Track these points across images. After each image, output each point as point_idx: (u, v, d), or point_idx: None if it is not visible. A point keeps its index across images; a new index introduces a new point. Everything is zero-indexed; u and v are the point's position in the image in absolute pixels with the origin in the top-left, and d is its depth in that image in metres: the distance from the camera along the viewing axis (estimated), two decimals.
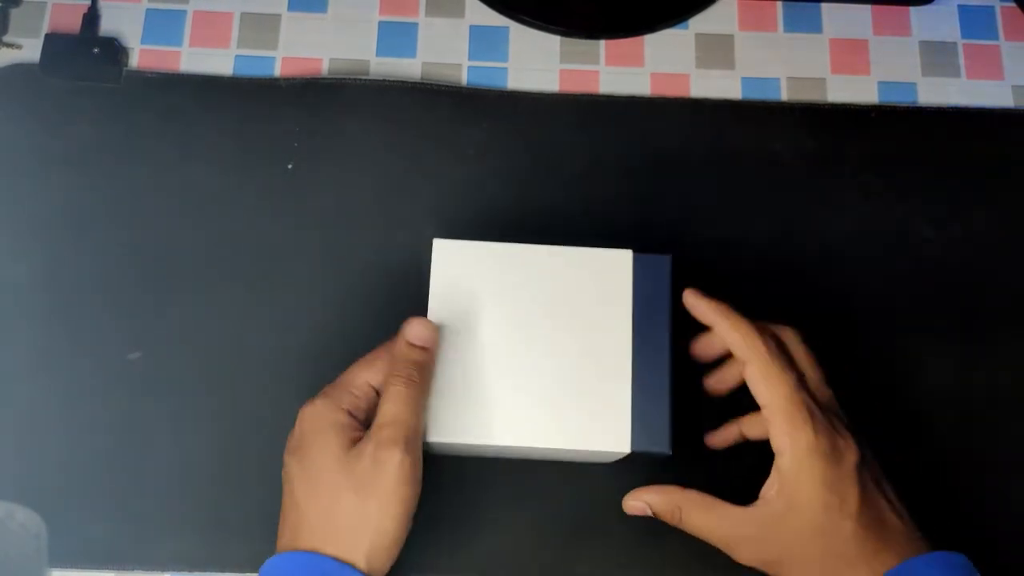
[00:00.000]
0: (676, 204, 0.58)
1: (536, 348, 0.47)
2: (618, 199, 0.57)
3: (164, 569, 0.51)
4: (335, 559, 0.42)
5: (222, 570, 0.51)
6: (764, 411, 0.45)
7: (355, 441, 0.45)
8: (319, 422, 0.45)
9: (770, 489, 0.45)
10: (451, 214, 0.57)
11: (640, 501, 0.47)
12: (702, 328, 0.49)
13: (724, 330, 0.47)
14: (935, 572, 0.43)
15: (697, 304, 0.48)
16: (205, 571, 0.51)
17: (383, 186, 0.57)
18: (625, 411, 0.46)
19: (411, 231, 0.56)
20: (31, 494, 0.51)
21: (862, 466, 0.45)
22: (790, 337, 0.48)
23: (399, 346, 0.46)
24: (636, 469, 0.53)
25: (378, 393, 0.46)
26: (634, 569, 0.51)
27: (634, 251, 0.48)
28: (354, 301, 0.55)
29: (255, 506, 0.51)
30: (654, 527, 0.52)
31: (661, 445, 0.47)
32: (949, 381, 0.54)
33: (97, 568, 0.51)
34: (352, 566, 0.42)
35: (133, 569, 0.51)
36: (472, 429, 0.46)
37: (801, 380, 0.46)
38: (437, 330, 0.46)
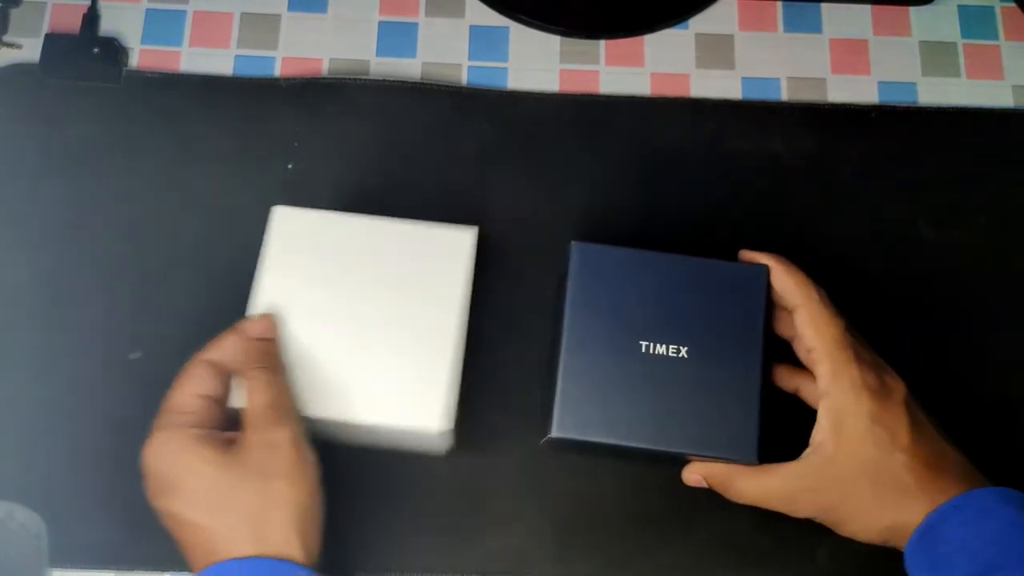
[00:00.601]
0: (676, 204, 0.58)
1: (365, 322, 0.46)
2: (618, 199, 0.57)
3: (164, 569, 0.51)
4: (272, 558, 0.41)
5: None
6: (812, 354, 0.46)
7: (229, 442, 0.44)
8: (173, 452, 0.43)
9: (819, 433, 0.45)
10: (451, 214, 0.57)
11: (697, 474, 0.48)
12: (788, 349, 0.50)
13: (779, 275, 0.48)
14: (995, 502, 0.43)
15: (753, 254, 0.49)
16: None
17: (383, 186, 0.57)
18: (441, 390, 0.45)
19: None
20: (31, 494, 0.51)
21: (911, 401, 0.46)
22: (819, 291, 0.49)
23: (247, 344, 0.45)
24: (639, 471, 0.53)
25: (214, 400, 0.45)
26: (634, 569, 0.51)
27: (727, 259, 0.49)
28: None
29: None
30: (655, 527, 0.52)
31: (749, 455, 0.46)
32: (949, 381, 0.54)
33: (97, 568, 0.51)
34: (290, 561, 0.41)
35: (133, 569, 0.51)
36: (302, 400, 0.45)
37: (851, 326, 0.47)
38: (272, 317, 0.46)
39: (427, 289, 0.47)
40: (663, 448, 0.46)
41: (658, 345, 0.47)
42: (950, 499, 0.43)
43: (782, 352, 0.50)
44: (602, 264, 0.48)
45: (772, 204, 0.58)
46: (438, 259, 0.47)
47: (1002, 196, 0.58)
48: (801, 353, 0.48)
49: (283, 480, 0.42)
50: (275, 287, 0.47)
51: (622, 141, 0.59)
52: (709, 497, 0.52)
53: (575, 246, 0.48)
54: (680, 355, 0.47)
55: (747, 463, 0.46)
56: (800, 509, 0.46)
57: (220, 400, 0.46)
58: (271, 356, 0.46)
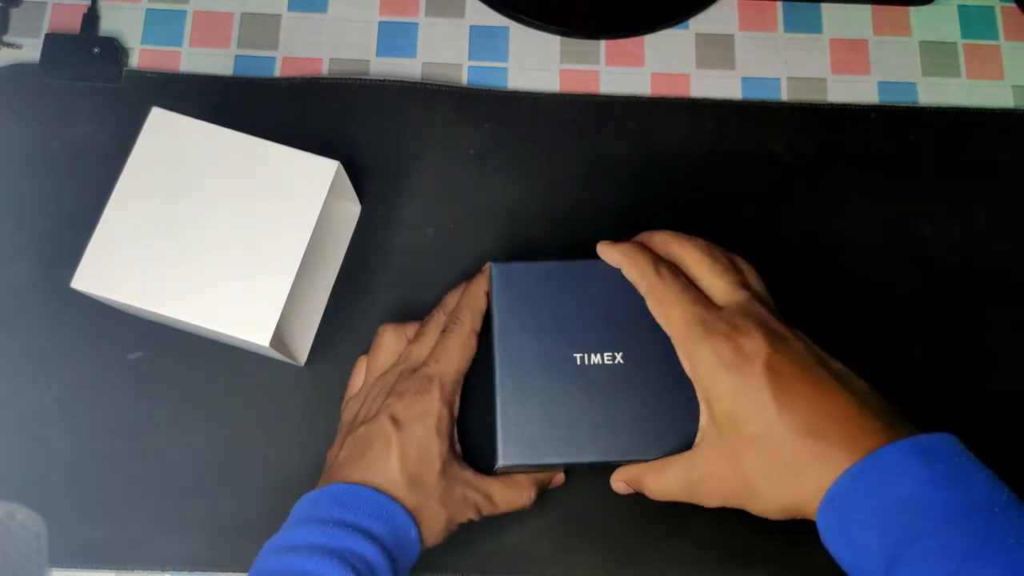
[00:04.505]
0: (676, 204, 0.58)
1: (217, 231, 0.47)
2: (618, 199, 0.57)
3: (164, 569, 0.51)
4: None
5: (222, 570, 0.51)
6: (673, 343, 0.44)
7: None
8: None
9: (701, 420, 0.44)
10: (451, 214, 0.57)
11: (619, 482, 0.47)
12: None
13: (626, 270, 0.46)
14: (900, 463, 0.38)
15: (607, 251, 0.47)
16: (205, 571, 0.51)
17: (383, 186, 0.57)
18: (276, 308, 0.46)
19: (412, 230, 0.56)
20: (31, 494, 0.51)
21: (778, 362, 0.42)
22: (692, 252, 0.46)
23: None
24: None
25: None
26: (634, 569, 0.51)
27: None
28: (359, 293, 0.55)
29: (255, 506, 0.51)
30: (654, 527, 0.52)
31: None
32: (949, 381, 0.54)
33: (97, 568, 0.51)
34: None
35: (133, 569, 0.51)
36: (127, 289, 0.46)
37: (701, 297, 0.44)
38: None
39: (282, 209, 0.48)
40: (614, 459, 0.46)
41: (593, 355, 0.46)
42: (848, 467, 0.39)
43: None
44: (523, 282, 0.47)
45: (772, 204, 0.58)
46: (299, 183, 0.48)
47: (1002, 196, 0.58)
48: None
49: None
50: (136, 182, 0.48)
51: (622, 141, 0.59)
52: None
53: (494, 268, 0.48)
54: (616, 361, 0.46)
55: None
56: (705, 498, 0.44)
57: None
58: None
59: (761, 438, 0.41)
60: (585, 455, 0.45)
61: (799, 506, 0.41)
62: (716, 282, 0.45)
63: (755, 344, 0.42)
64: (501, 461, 0.45)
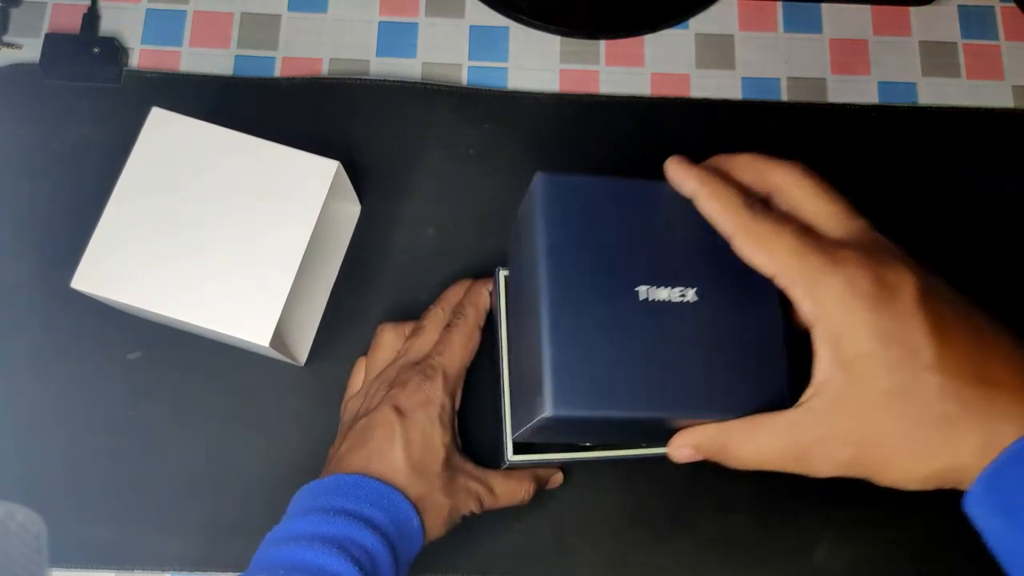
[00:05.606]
0: None
1: (217, 231, 0.47)
2: None
3: (164, 569, 0.51)
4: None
5: (222, 570, 0.51)
6: (778, 281, 0.36)
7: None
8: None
9: (819, 371, 0.35)
10: (451, 214, 0.57)
11: (686, 447, 0.39)
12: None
13: (702, 203, 0.38)
14: None
15: (680, 176, 0.39)
16: (205, 571, 0.51)
17: (383, 186, 0.57)
18: (276, 308, 0.46)
19: (412, 230, 0.56)
20: (31, 494, 0.51)
21: (931, 296, 0.34)
22: (788, 177, 0.38)
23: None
24: (638, 470, 0.53)
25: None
26: (634, 569, 0.51)
27: None
28: (359, 293, 0.55)
29: (255, 506, 0.51)
30: (654, 527, 0.52)
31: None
32: None
33: (97, 568, 0.51)
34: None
35: (133, 569, 0.51)
36: (127, 289, 0.46)
37: (805, 228, 0.36)
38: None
39: (282, 209, 0.48)
40: (683, 415, 0.38)
41: (659, 289, 0.38)
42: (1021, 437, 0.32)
43: None
44: (576, 196, 0.39)
45: None
46: (299, 183, 0.48)
47: (1002, 196, 0.58)
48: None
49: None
50: (136, 182, 0.48)
51: (622, 141, 0.59)
52: (707, 496, 0.52)
53: (541, 178, 0.40)
54: (685, 299, 0.38)
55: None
56: (817, 467, 0.36)
57: None
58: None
59: (908, 388, 0.33)
60: (649, 408, 0.37)
61: (953, 471, 0.34)
62: (827, 208, 0.37)
63: (899, 275, 0.34)
64: (550, 411, 0.36)
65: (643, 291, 0.38)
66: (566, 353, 0.37)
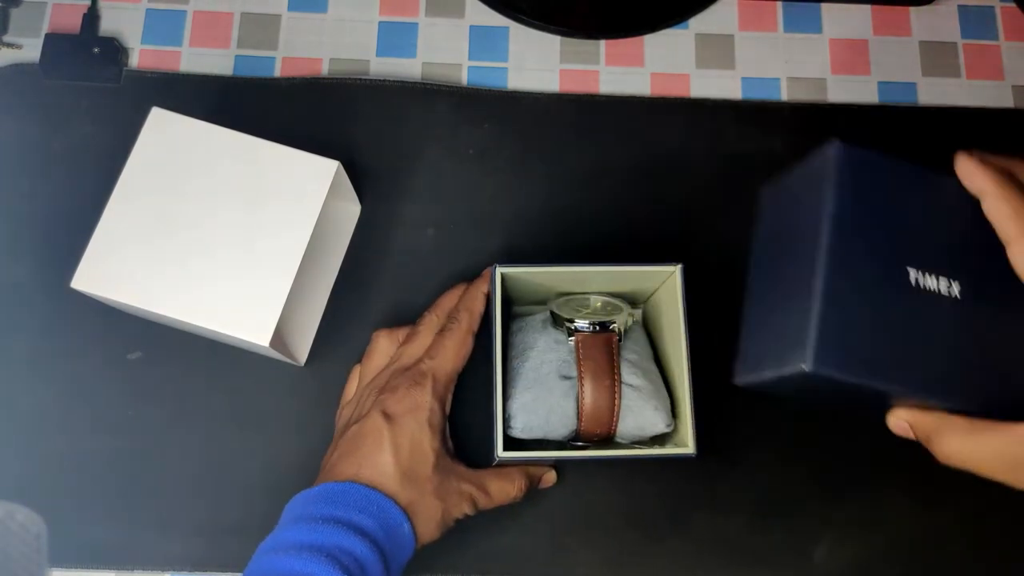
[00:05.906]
0: (676, 204, 0.58)
1: (217, 231, 0.47)
2: (618, 199, 0.57)
3: (164, 569, 0.51)
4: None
5: (222, 570, 0.51)
6: None
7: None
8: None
9: None
10: (451, 214, 0.57)
11: (904, 421, 0.41)
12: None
13: (990, 204, 0.39)
14: None
15: (970, 173, 0.40)
16: (205, 571, 0.51)
17: (383, 186, 0.57)
18: (276, 308, 0.46)
19: (412, 230, 0.56)
20: (31, 494, 0.51)
21: None
22: None
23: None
24: (636, 471, 0.53)
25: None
26: (634, 569, 0.51)
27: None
28: (359, 293, 0.55)
29: (254, 507, 0.51)
30: (654, 527, 0.52)
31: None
32: None
33: (97, 568, 0.51)
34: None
35: (133, 569, 0.51)
36: (127, 289, 0.46)
37: None
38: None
39: (282, 209, 0.48)
40: (924, 397, 0.39)
41: (929, 275, 0.39)
42: None
43: None
44: (871, 174, 0.41)
45: None
46: (299, 183, 0.48)
47: None
48: None
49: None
50: (136, 182, 0.48)
51: (622, 141, 0.59)
52: (705, 496, 0.52)
53: (837, 146, 0.41)
54: (951, 291, 0.39)
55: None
56: None
57: None
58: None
59: None
60: (897, 384, 0.39)
61: None
62: None
63: None
64: (809, 367, 0.37)
65: (912, 274, 0.39)
66: (835, 315, 0.38)
